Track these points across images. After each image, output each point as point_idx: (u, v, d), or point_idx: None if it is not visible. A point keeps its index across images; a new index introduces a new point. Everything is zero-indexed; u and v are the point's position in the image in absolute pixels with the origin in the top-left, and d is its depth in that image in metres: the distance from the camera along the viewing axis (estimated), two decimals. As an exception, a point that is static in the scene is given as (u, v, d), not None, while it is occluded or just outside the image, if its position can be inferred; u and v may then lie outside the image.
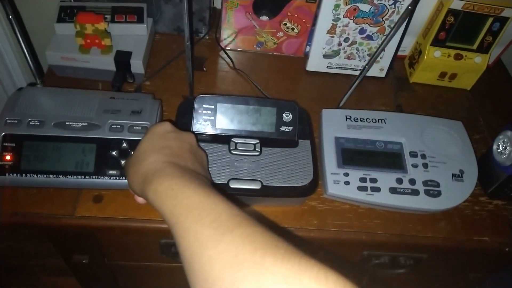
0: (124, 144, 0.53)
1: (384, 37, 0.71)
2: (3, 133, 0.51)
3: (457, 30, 0.70)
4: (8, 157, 0.51)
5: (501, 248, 0.59)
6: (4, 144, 0.51)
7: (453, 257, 0.71)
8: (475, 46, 0.72)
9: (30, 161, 0.51)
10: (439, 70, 0.74)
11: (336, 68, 0.76)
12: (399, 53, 0.80)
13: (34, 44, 0.86)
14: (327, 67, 0.75)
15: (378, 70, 0.76)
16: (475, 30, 0.70)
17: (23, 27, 0.86)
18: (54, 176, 0.51)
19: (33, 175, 0.51)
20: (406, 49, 0.80)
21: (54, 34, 0.65)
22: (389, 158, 0.59)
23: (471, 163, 0.60)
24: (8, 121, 0.52)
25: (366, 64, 0.59)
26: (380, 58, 0.74)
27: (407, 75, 0.79)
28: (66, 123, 0.53)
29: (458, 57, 0.72)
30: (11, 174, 0.51)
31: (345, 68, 0.76)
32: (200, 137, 0.56)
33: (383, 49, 0.60)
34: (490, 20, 0.68)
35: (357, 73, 0.76)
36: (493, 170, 0.59)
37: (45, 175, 0.51)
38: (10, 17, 0.51)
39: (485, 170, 0.61)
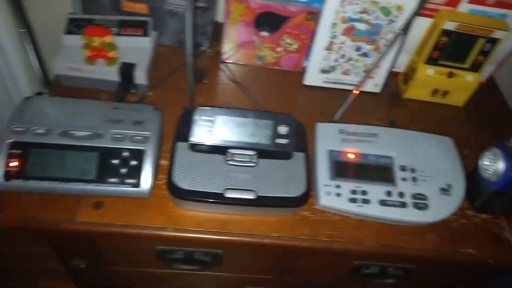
0: (125, 153, 0.55)
1: (378, 55, 0.74)
2: (10, 140, 0.54)
3: (450, 50, 0.72)
4: (14, 164, 0.53)
5: (485, 260, 0.61)
6: (11, 151, 0.54)
7: (441, 268, 0.73)
8: (467, 65, 0.74)
9: (35, 167, 0.54)
10: (432, 87, 0.77)
11: (333, 83, 0.78)
12: (395, 69, 0.83)
13: (41, 54, 0.89)
14: (323, 81, 0.78)
15: (373, 85, 0.79)
16: (467, 50, 0.72)
17: (34, 40, 0.89)
18: (58, 182, 0.54)
19: (38, 181, 0.53)
20: (401, 65, 0.83)
21: (62, 45, 0.68)
22: (380, 172, 0.61)
23: (458, 178, 0.62)
24: (15, 129, 0.55)
25: (361, 81, 0.61)
26: (375, 74, 0.77)
27: (401, 91, 0.82)
28: (71, 132, 0.55)
29: (450, 75, 0.75)
30: (16, 180, 0.53)
31: (341, 83, 0.78)
32: (198, 148, 0.59)
33: (376, 67, 0.62)
34: (482, 41, 0.71)
35: (353, 88, 0.79)
36: (479, 185, 0.61)
37: (49, 181, 0.54)
38: (23, 30, 0.54)
39: (472, 185, 0.63)
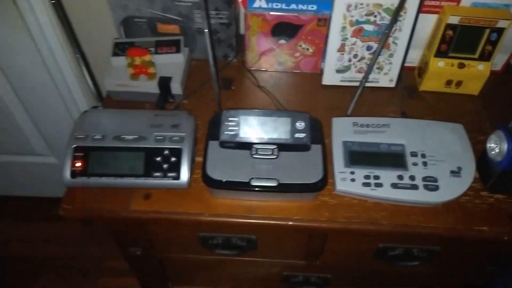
0: (166, 151, 0.66)
1: (388, 52, 0.80)
2: (74, 146, 0.66)
3: (457, 42, 0.77)
4: (78, 164, 0.65)
5: (499, 237, 0.64)
6: (75, 154, 0.66)
7: (466, 249, 0.76)
8: (477, 55, 0.78)
9: (95, 166, 0.65)
10: (445, 78, 0.81)
11: (349, 81, 0.85)
12: (411, 64, 0.88)
13: (96, 74, 1.03)
14: (340, 80, 0.85)
15: (388, 80, 0.84)
16: (474, 41, 0.77)
17: (87, 62, 1.03)
18: (113, 178, 0.65)
19: (98, 178, 0.65)
20: (416, 60, 0.88)
21: (110, 65, 0.81)
22: (391, 158, 0.67)
23: (469, 161, 0.66)
24: (78, 136, 0.67)
25: (364, 77, 0.68)
26: (389, 70, 0.83)
27: (416, 84, 0.87)
28: (121, 136, 0.67)
29: (461, 66, 0.79)
30: (81, 177, 0.65)
31: (356, 81, 0.85)
32: (227, 145, 0.68)
33: (374, 64, 0.70)
34: (487, 31, 0.75)
35: (368, 84, 0.85)
36: (489, 167, 0.65)
37: (106, 177, 0.65)
38: (77, 56, 0.67)
39: (483, 166, 0.67)
